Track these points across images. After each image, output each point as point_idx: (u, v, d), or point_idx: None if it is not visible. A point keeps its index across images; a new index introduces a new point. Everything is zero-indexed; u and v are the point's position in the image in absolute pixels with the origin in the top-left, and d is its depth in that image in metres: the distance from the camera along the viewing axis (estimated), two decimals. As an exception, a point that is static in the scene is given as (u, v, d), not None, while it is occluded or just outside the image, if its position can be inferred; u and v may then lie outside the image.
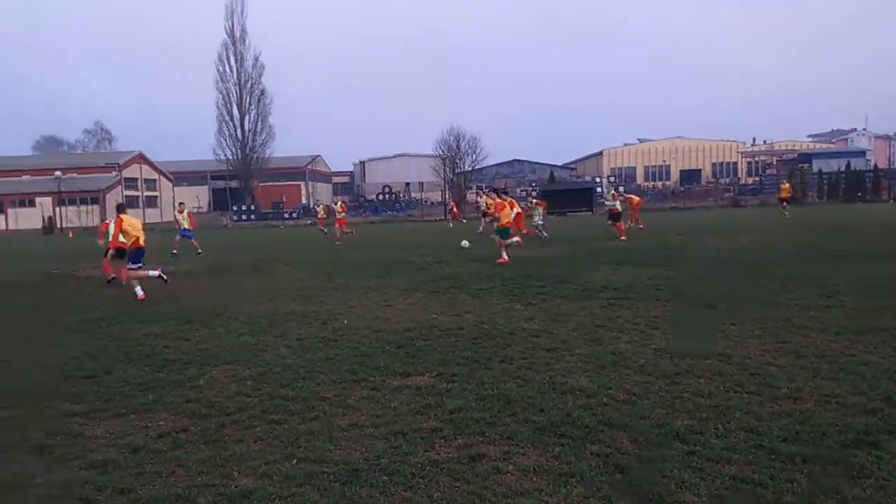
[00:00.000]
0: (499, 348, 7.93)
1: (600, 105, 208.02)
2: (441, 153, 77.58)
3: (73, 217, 69.10)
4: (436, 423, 5.42)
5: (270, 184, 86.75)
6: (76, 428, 5.63)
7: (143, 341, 9.06)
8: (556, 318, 9.66)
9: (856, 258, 15.25)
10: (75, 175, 75.14)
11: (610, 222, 25.34)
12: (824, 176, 68.98)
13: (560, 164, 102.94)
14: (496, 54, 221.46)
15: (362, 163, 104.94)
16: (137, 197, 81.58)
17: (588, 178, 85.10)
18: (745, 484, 4.09)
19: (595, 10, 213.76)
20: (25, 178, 78.54)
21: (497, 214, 18.79)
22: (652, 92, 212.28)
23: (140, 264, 13.65)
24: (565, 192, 62.41)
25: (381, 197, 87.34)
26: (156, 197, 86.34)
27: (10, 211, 73.72)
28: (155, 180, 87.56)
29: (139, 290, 13.11)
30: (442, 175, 77.03)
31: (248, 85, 79.44)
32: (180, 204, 25.25)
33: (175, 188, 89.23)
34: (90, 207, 73.22)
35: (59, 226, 66.98)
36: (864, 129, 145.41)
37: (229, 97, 79.20)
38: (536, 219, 26.33)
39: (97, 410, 6.06)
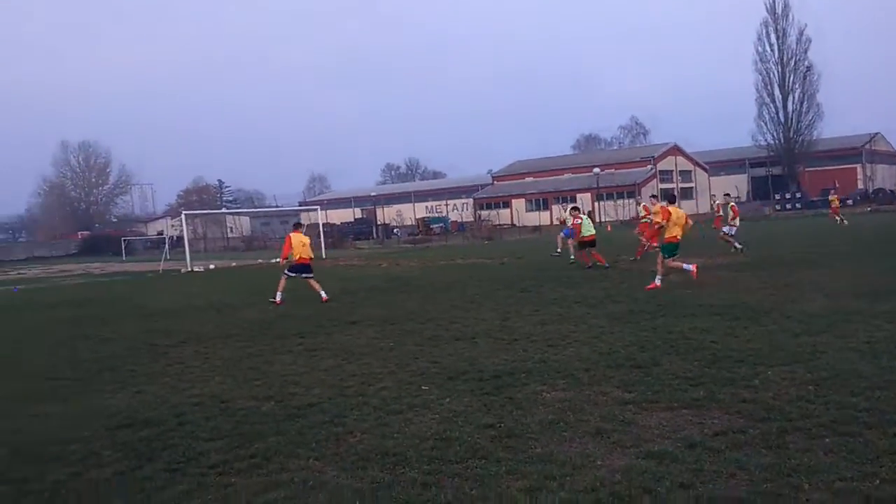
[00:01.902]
0: None
1: None
2: None
3: (611, 211, 75.40)
4: None
5: (818, 168, 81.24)
6: (629, 416, 6.04)
7: (689, 335, 9.30)
8: None
9: None
10: (612, 171, 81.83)
11: None
12: None
13: None
14: None
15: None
16: (672, 189, 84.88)
17: None
18: None
19: None
20: (566, 175, 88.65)
21: (663, 223, 15.25)
22: None
23: (311, 274, 16.63)
24: None
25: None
26: (691, 188, 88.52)
27: (555, 207, 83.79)
28: (690, 171, 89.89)
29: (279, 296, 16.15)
30: None
31: (792, 62, 76.05)
32: (573, 209, 23.76)
33: (711, 178, 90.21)
34: (626, 201, 78.87)
35: (598, 220, 73.94)
36: None
37: (770, 77, 77.09)
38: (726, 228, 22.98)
39: (649, 401, 6.42)
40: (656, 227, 16.25)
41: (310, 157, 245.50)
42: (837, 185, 76.89)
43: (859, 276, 14.03)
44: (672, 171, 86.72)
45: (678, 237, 14.96)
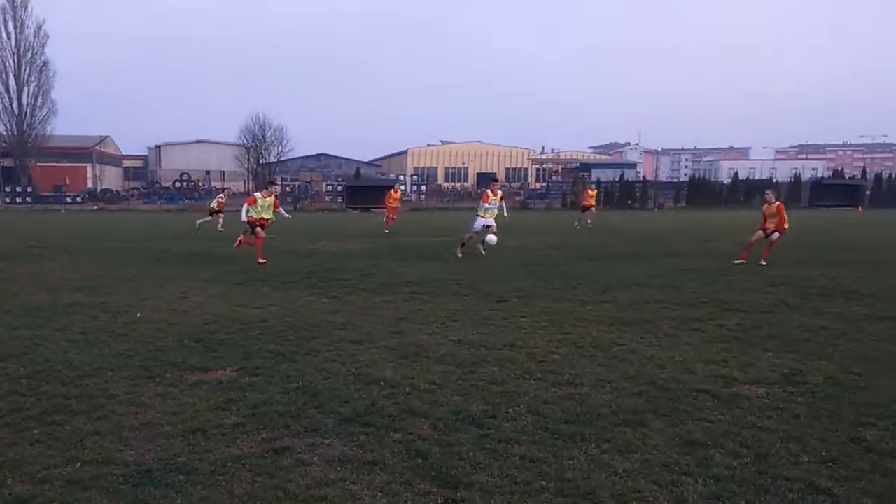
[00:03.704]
0: (304, 341, 7.80)
1: (407, 105, 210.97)
2: (245, 142, 74.88)
3: None
4: (237, 418, 5.24)
5: (52, 164, 78.60)
6: None
7: None
8: (362, 312, 9.68)
9: (625, 259, 16.83)
10: None
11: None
12: (602, 185, 74.88)
13: (367, 160, 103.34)
14: (310, 47, 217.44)
15: (158, 147, 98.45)
16: None
17: (393, 176, 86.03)
18: (533, 462, 4.38)
19: (424, 11, 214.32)
20: None
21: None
22: (454, 96, 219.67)
23: None
24: (371, 188, 62.50)
25: (177, 184, 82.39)
26: None
27: None
28: None
29: None
30: (245, 164, 74.46)
31: (29, 55, 71.43)
32: None
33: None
34: None
35: None
36: (637, 144, 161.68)
37: (5, 66, 70.85)
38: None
39: None
40: None
41: None
42: (68, 182, 76.09)
43: (81, 271, 14.14)
44: None
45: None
